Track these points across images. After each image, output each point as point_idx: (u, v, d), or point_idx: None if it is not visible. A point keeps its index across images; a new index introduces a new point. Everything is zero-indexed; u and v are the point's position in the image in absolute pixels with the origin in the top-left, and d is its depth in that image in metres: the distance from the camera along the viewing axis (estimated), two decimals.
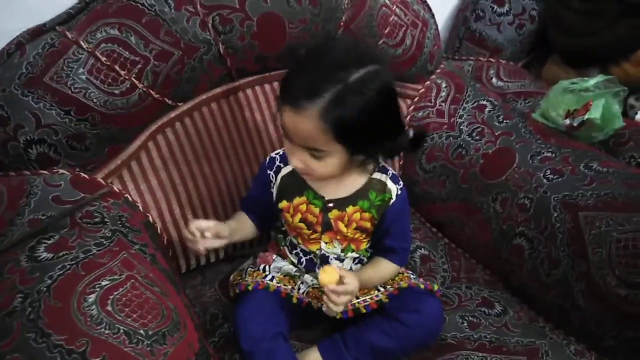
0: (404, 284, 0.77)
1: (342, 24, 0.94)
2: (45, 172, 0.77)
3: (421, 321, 0.73)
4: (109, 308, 0.59)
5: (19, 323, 0.56)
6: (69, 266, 0.63)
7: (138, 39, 0.77)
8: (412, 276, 0.81)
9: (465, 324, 0.81)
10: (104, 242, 0.68)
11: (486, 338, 0.79)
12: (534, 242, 0.85)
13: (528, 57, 1.38)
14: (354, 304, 0.77)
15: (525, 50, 1.35)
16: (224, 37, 0.82)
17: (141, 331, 0.57)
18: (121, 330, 0.57)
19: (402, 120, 0.70)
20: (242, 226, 0.81)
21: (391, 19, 1.02)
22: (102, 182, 0.81)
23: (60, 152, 0.77)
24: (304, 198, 0.76)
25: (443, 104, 1.09)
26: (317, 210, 0.75)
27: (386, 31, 1.01)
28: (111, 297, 0.60)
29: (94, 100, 0.76)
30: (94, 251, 0.66)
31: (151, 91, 0.80)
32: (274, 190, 0.79)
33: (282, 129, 0.68)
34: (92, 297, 0.59)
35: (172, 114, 0.86)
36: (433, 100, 1.10)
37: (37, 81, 0.74)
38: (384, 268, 0.78)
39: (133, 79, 0.78)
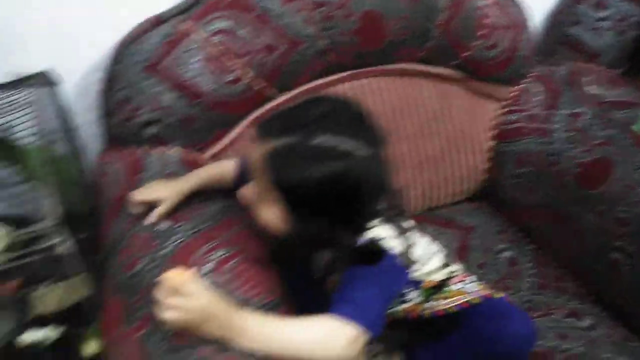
0: (474, 299, 0.70)
1: (439, 23, 0.94)
2: (158, 150, 0.84)
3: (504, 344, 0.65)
4: (224, 278, 0.63)
5: (146, 283, 0.62)
6: (185, 236, 0.68)
7: (248, 31, 0.82)
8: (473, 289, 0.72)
9: (552, 335, 0.79)
10: (216, 217, 0.73)
11: (575, 350, 0.76)
12: (634, 257, 0.81)
13: (628, 64, 1.30)
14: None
15: (625, 57, 1.28)
16: (327, 33, 0.85)
17: (255, 301, 0.61)
18: (236, 294, 0.61)
19: (350, 220, 0.60)
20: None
21: (487, 20, 1.00)
22: (209, 162, 0.86)
23: (172, 133, 0.83)
24: None
25: (535, 109, 1.06)
26: None
27: (481, 33, 1.00)
28: (224, 267, 0.64)
29: (205, 87, 0.81)
30: (208, 224, 0.71)
31: (256, 81, 0.84)
32: None
33: None
34: (208, 266, 0.64)
35: (272, 104, 0.90)
36: (525, 105, 1.07)
37: (157, 67, 0.80)
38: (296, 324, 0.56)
39: (241, 69, 0.83)
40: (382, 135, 0.62)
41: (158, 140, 0.83)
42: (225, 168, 0.78)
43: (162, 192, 0.72)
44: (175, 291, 0.50)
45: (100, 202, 0.82)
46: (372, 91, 0.97)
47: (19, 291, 0.78)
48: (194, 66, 0.81)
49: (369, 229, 0.62)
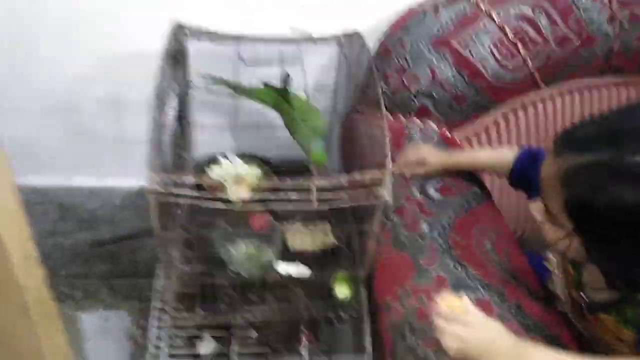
0: None
1: None
2: (419, 122, 0.86)
3: None
4: (503, 258, 0.65)
5: (434, 247, 0.65)
6: (460, 211, 0.71)
7: (548, 21, 0.80)
8: None
9: None
10: (477, 198, 0.75)
11: None
12: None
13: None
14: None
15: None
16: (624, 35, 0.81)
17: (534, 291, 0.62)
18: (522, 284, 0.62)
19: None
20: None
21: None
22: (460, 143, 0.87)
23: (439, 108, 0.85)
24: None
25: None
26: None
27: None
28: (501, 249, 0.66)
29: (488, 70, 0.82)
30: (473, 204, 0.73)
31: (536, 73, 0.83)
32: None
33: None
34: (488, 244, 0.66)
35: (532, 96, 0.89)
36: None
37: (444, 42, 0.82)
38: None
39: (528, 58, 0.82)
40: None
41: (422, 113, 0.86)
42: (503, 156, 0.73)
43: (429, 155, 0.77)
44: (456, 319, 0.50)
45: (350, 158, 0.87)
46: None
47: (271, 225, 0.85)
48: (484, 47, 0.81)
49: None
